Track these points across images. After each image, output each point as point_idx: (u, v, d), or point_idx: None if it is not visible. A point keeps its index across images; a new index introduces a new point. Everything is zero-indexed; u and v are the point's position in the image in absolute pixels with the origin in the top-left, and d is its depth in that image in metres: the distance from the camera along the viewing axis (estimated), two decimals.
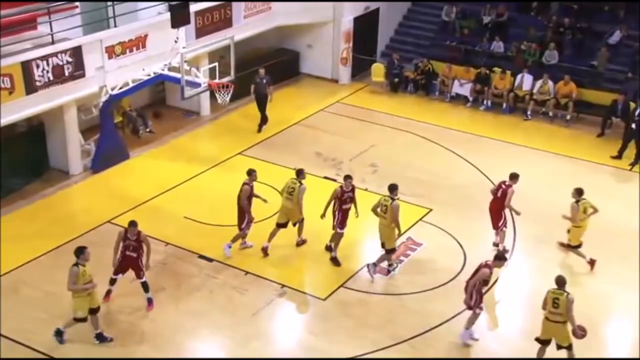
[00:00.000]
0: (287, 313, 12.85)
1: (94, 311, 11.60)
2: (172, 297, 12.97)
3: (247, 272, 13.61)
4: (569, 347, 11.26)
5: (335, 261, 13.85)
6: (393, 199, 13.29)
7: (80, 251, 11.36)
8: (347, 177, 13.71)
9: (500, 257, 11.99)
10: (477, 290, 11.81)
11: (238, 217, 13.88)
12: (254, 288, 13.27)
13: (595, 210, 13.74)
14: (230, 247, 14.06)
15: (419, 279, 13.53)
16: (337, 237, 13.83)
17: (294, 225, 14.13)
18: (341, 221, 13.69)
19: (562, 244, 14.31)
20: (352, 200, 13.74)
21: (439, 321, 12.47)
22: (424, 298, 13.08)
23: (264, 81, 19.09)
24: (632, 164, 18.08)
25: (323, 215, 13.75)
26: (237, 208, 13.87)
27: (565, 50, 21.33)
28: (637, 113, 18.32)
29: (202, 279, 13.49)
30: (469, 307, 11.93)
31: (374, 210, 13.49)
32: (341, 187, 13.67)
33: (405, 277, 13.68)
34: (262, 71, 19.13)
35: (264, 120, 19.39)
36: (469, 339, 12.13)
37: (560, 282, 11.18)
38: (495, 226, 14.23)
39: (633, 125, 18.28)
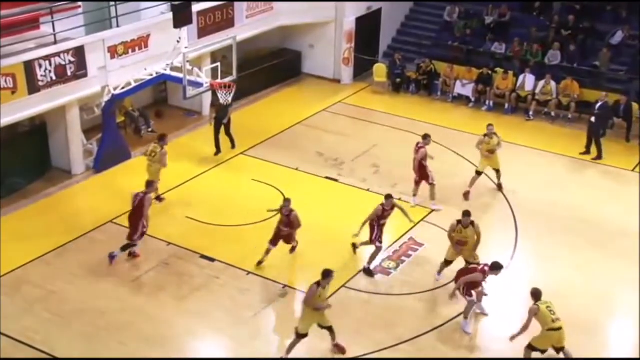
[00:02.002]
0: (288, 313, 12.86)
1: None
2: (173, 296, 13.00)
3: (248, 272, 13.64)
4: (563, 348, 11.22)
5: (368, 272, 13.79)
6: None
7: (327, 274, 11.24)
8: (389, 197, 13.70)
9: (497, 267, 12.01)
10: (466, 285, 12.06)
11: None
12: (255, 288, 13.30)
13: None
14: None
15: (421, 280, 13.53)
16: (376, 252, 13.83)
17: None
18: (379, 236, 13.74)
19: None
20: (389, 215, 13.78)
21: (441, 322, 12.48)
22: (426, 298, 13.09)
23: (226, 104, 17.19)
24: (597, 157, 18.23)
25: (357, 235, 13.71)
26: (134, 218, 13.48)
27: (567, 50, 21.31)
28: (596, 107, 18.32)
29: (204, 279, 13.51)
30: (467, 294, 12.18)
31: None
32: (382, 205, 13.64)
33: (407, 278, 13.69)
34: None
35: (232, 138, 18.17)
36: (467, 327, 12.27)
37: (538, 294, 11.19)
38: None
39: (592, 119, 18.30)
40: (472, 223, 12.95)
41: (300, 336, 11.37)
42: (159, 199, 15.66)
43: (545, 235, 14.97)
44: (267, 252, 13.69)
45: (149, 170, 15.34)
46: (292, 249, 14.14)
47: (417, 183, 15.89)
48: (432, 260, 14.13)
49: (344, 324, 12.33)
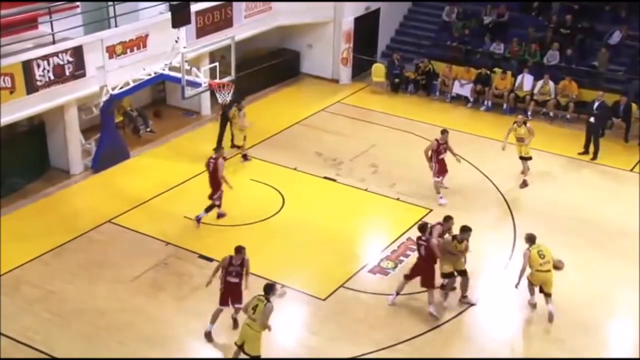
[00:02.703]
0: (287, 313, 12.86)
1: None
2: (172, 296, 12.99)
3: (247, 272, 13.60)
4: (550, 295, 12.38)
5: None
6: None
7: (270, 288, 10.85)
8: (444, 131, 15.77)
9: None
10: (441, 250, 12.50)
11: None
12: (254, 288, 13.23)
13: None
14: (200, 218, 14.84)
15: (419, 280, 13.50)
16: (437, 184, 15.66)
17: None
18: (439, 170, 15.67)
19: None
20: (447, 149, 15.60)
21: (440, 321, 12.47)
22: (424, 298, 13.06)
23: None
24: (593, 158, 18.27)
25: (431, 167, 15.69)
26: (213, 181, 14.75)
27: (566, 50, 21.34)
28: (594, 107, 18.34)
29: (203, 278, 13.43)
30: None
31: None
32: (437, 140, 15.57)
33: None
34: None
35: (232, 136, 18.02)
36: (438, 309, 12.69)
37: (532, 238, 12.48)
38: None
39: (592, 119, 18.31)
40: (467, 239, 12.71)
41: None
42: (245, 157, 17.55)
43: (544, 235, 14.86)
44: (215, 317, 11.92)
45: (235, 132, 17.57)
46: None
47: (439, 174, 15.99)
48: None
49: (342, 323, 12.34)
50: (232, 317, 12.06)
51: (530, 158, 16.89)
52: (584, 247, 14.64)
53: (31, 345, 11.73)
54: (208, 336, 11.90)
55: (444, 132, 16.00)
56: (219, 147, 15.59)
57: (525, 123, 16.78)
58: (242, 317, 11.34)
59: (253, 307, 10.74)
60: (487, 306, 13.08)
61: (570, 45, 21.44)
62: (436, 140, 15.84)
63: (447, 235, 12.81)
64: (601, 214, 15.78)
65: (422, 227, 12.58)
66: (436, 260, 12.44)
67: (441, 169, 15.83)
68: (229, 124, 17.81)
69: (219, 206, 15.02)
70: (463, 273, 12.77)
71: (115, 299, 12.86)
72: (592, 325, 12.59)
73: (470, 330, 12.55)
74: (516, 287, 12.40)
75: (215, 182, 14.75)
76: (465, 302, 12.89)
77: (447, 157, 15.88)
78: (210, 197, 14.84)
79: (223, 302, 11.82)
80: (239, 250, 11.67)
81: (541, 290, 12.49)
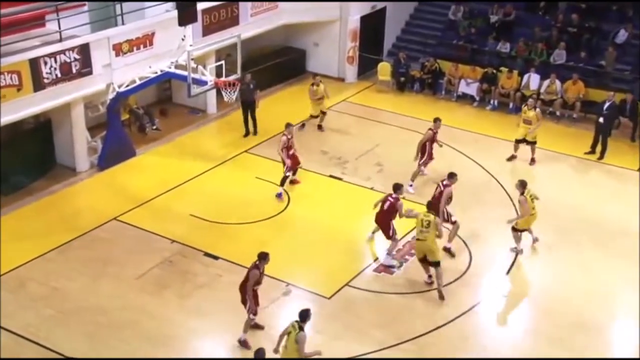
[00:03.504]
0: (291, 311, 12.85)
1: None
2: (177, 294, 13.02)
3: None
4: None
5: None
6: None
7: (305, 315, 10.57)
8: (437, 120, 16.50)
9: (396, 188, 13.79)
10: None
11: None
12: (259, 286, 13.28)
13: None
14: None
15: (424, 279, 13.52)
16: (416, 173, 16.54)
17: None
18: (428, 159, 16.48)
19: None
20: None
21: (444, 321, 12.48)
22: (429, 297, 13.08)
23: (251, 86, 18.57)
24: (599, 158, 18.29)
25: (416, 158, 16.37)
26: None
27: (573, 49, 21.27)
28: (604, 107, 18.28)
29: (208, 277, 13.53)
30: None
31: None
32: (431, 129, 16.30)
33: (410, 277, 13.68)
34: (248, 76, 18.46)
35: (255, 124, 19.02)
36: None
37: (524, 184, 13.53)
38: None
39: (601, 119, 18.26)
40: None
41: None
42: (320, 127, 19.36)
43: (548, 234, 14.95)
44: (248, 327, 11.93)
45: (314, 105, 19.24)
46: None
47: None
48: None
49: (347, 322, 12.35)
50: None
51: (535, 142, 17.54)
52: (587, 246, 14.62)
53: (35, 341, 11.77)
54: (244, 344, 11.71)
55: (437, 120, 16.59)
56: (287, 126, 16.18)
57: (535, 107, 17.36)
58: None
59: (287, 333, 10.50)
60: (490, 305, 13.08)
61: (577, 45, 21.37)
62: (431, 129, 16.38)
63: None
64: (605, 214, 15.74)
65: (397, 187, 13.85)
66: (394, 217, 13.79)
67: (430, 158, 16.62)
68: (248, 110, 18.68)
69: (290, 175, 16.18)
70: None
71: (120, 296, 12.89)
72: (592, 324, 12.57)
73: (473, 329, 12.56)
74: (508, 222, 13.97)
75: (285, 154, 15.98)
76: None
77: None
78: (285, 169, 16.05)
79: (255, 311, 11.71)
80: (265, 256, 11.52)
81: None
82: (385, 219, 13.90)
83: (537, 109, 17.56)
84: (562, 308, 12.85)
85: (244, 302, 11.66)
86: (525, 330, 12.67)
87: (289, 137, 16.03)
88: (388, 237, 13.96)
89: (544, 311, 12.93)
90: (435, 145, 16.64)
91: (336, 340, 11.99)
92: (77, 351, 11.64)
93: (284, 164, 16.07)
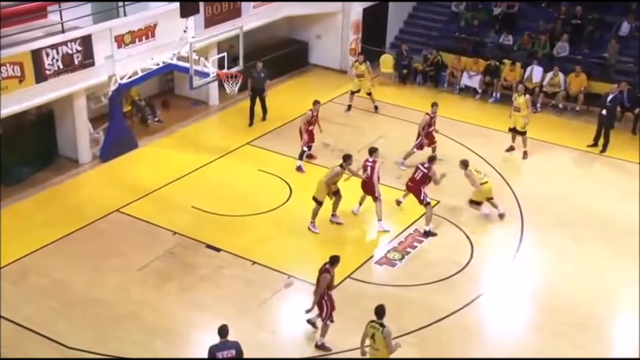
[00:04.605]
0: (293, 303, 12.90)
1: None
2: (178, 287, 13.04)
3: (254, 262, 13.66)
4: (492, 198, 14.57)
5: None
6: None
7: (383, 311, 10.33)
8: (434, 104, 16.81)
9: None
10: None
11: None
12: (260, 278, 13.33)
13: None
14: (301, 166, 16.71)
15: (425, 271, 13.54)
16: (410, 152, 17.09)
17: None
18: (428, 143, 16.90)
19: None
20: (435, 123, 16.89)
21: (445, 314, 12.49)
22: (430, 290, 13.10)
23: (262, 75, 18.84)
24: (602, 150, 18.26)
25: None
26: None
27: (576, 42, 21.20)
28: (608, 99, 18.23)
29: (210, 269, 13.55)
30: None
31: None
32: (429, 114, 16.81)
33: (412, 269, 13.70)
34: (259, 65, 18.80)
35: (265, 111, 19.29)
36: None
37: (466, 162, 14.48)
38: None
39: (603, 112, 18.22)
40: None
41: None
42: (376, 109, 20.13)
43: (551, 228, 14.95)
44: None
45: (364, 84, 20.05)
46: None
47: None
48: (437, 251, 14.15)
49: (348, 314, 12.36)
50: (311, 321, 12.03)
51: (524, 133, 17.54)
52: (590, 240, 14.61)
53: (38, 332, 11.81)
54: (323, 347, 11.70)
55: (435, 105, 16.92)
56: (315, 103, 16.91)
57: (525, 94, 17.50)
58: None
59: (371, 337, 10.26)
60: (492, 298, 13.09)
61: (580, 37, 21.30)
62: (428, 114, 16.75)
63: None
64: (607, 207, 15.73)
65: (373, 151, 14.69)
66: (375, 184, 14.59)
67: (431, 142, 16.97)
68: (258, 99, 19.00)
69: (307, 150, 16.89)
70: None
71: (121, 288, 12.92)
72: (596, 319, 12.57)
73: (476, 322, 12.57)
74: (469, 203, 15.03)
75: (303, 130, 16.72)
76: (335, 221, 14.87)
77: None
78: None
79: (332, 318, 11.60)
80: (336, 260, 11.42)
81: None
82: (371, 183, 14.72)
83: (527, 96, 17.64)
84: (564, 302, 12.86)
85: (320, 307, 11.51)
86: (526, 323, 12.68)
87: (314, 113, 16.74)
88: (375, 199, 14.70)
89: (545, 305, 12.93)
90: (430, 130, 17.01)
91: (338, 332, 11.99)
92: (80, 342, 11.67)
93: (302, 137, 16.72)
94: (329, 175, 14.48)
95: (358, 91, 20.16)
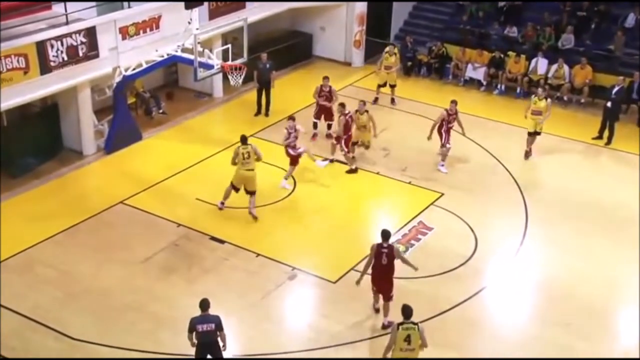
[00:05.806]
0: (297, 295, 12.92)
1: None
2: (183, 278, 13.07)
3: (258, 254, 13.68)
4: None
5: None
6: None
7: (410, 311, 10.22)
8: (453, 101, 16.53)
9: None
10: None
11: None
12: (264, 270, 13.35)
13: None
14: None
15: (429, 264, 13.52)
16: (445, 152, 16.48)
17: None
18: (447, 138, 16.39)
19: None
20: (456, 120, 16.51)
21: (448, 306, 12.50)
22: (434, 282, 13.10)
23: (267, 66, 18.86)
24: (607, 143, 18.21)
25: (429, 137, 16.48)
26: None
27: (581, 34, 21.11)
28: (613, 92, 18.17)
29: (213, 261, 13.58)
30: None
31: None
32: (447, 110, 16.42)
33: (416, 261, 13.65)
34: (264, 56, 18.83)
35: (268, 105, 19.27)
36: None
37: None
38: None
39: (609, 104, 18.16)
40: None
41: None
42: (376, 100, 20.03)
43: (556, 221, 14.93)
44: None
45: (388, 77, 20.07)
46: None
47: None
48: (441, 244, 14.14)
49: (352, 307, 12.38)
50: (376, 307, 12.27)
51: (539, 133, 17.23)
52: (595, 232, 14.59)
53: (43, 323, 11.86)
54: (389, 326, 11.52)
55: (453, 102, 16.56)
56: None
57: (546, 98, 17.06)
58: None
59: (405, 339, 10.00)
60: (496, 291, 13.09)
61: (586, 29, 21.20)
62: (446, 110, 16.41)
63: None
64: (612, 200, 15.70)
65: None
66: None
67: (449, 138, 16.50)
68: (264, 90, 18.96)
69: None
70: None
71: (126, 279, 12.95)
72: (600, 310, 12.57)
73: (480, 314, 12.57)
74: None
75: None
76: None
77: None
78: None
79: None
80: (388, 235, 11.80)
81: None
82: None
83: (549, 100, 17.16)
84: (569, 293, 12.85)
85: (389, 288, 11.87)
86: (531, 315, 12.68)
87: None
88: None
89: (550, 297, 12.93)
90: (449, 126, 16.57)
91: (341, 324, 12.04)
92: (85, 333, 11.71)
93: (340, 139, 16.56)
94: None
95: (385, 84, 20.09)
